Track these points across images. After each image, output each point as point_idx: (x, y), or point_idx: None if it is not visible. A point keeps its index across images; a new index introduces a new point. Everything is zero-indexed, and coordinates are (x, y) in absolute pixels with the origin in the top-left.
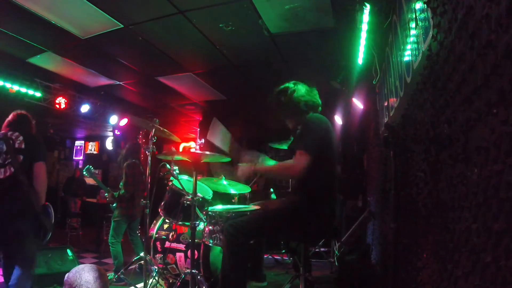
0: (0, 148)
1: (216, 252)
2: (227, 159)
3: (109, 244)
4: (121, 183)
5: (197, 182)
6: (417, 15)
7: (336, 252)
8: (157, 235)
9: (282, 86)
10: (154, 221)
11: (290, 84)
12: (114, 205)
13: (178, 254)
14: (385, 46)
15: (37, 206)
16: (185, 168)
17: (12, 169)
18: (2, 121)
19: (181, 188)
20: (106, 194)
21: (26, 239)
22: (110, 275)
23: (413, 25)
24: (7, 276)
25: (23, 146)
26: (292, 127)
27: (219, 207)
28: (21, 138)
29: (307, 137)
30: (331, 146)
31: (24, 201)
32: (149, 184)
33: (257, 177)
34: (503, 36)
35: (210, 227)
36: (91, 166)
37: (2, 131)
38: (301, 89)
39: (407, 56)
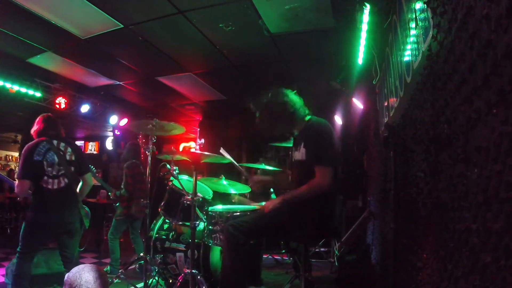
0: (52, 159)
1: (216, 252)
2: (227, 160)
3: (108, 238)
4: (122, 183)
5: (197, 182)
6: (417, 15)
7: (336, 252)
8: (157, 235)
9: (269, 98)
10: (154, 221)
11: (278, 94)
12: (117, 204)
13: (178, 254)
14: (385, 46)
15: (82, 210)
16: (185, 168)
17: (66, 180)
18: (2, 122)
19: (181, 188)
20: (109, 193)
21: (78, 238)
22: (106, 268)
23: (413, 25)
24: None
25: (73, 158)
26: (289, 134)
27: (219, 207)
28: (69, 150)
29: (321, 149)
30: (334, 151)
31: (76, 208)
32: (149, 184)
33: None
34: (503, 36)
35: (210, 227)
36: (92, 166)
37: (41, 139)
38: (289, 94)
39: (407, 56)
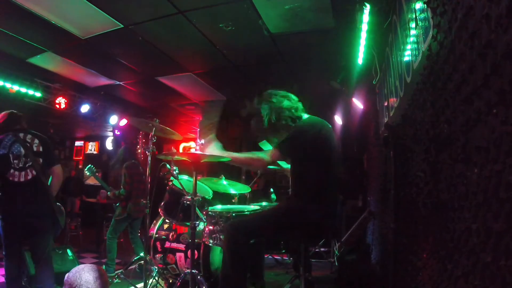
0: (18, 151)
1: (216, 252)
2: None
3: (106, 237)
4: (121, 183)
5: (197, 182)
6: (417, 15)
7: (336, 252)
8: (157, 235)
9: (263, 109)
10: (154, 221)
11: (270, 101)
12: (117, 204)
13: (178, 254)
14: (385, 46)
15: (55, 205)
16: (185, 168)
17: (34, 172)
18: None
19: (181, 188)
20: (108, 192)
21: (48, 236)
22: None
23: (413, 25)
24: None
25: (41, 149)
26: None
27: (219, 207)
28: (37, 141)
29: (287, 140)
30: (324, 147)
31: (47, 202)
32: (149, 184)
33: (257, 177)
34: (503, 36)
35: (210, 227)
36: (92, 166)
37: (7, 133)
38: (282, 100)
39: (407, 56)
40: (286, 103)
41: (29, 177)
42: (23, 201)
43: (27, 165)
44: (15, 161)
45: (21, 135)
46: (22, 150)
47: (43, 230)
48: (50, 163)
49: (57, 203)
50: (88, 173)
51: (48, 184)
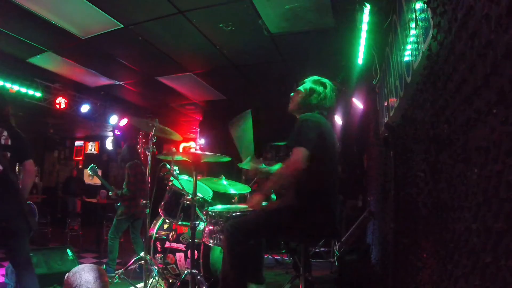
0: None
1: (216, 252)
2: (227, 159)
3: (108, 237)
4: (124, 183)
5: (197, 182)
6: (417, 15)
7: (336, 252)
8: (157, 235)
9: (318, 78)
10: (154, 221)
11: (327, 81)
12: (119, 204)
13: (178, 254)
14: (385, 46)
15: (25, 204)
16: (185, 168)
17: (1, 167)
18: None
19: (181, 188)
20: (110, 192)
21: (24, 238)
22: (102, 267)
23: (413, 25)
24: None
25: (9, 142)
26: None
27: (219, 207)
28: (5, 133)
29: (298, 133)
30: (328, 146)
31: (16, 200)
32: (149, 184)
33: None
34: (503, 36)
35: (210, 227)
36: (94, 165)
37: None
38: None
39: (407, 56)
40: (328, 94)
41: None
42: None
43: None
44: None
45: None
46: None
47: (12, 232)
48: (20, 158)
49: (29, 203)
50: (90, 173)
51: (18, 180)
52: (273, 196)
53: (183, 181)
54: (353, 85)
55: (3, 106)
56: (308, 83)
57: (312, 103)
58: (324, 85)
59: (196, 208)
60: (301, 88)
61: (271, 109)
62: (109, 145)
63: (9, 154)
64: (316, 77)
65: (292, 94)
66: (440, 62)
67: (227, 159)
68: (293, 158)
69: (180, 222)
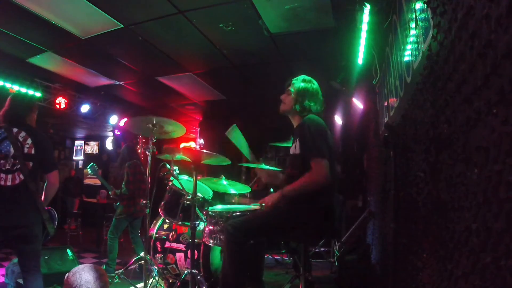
0: (6, 150)
1: (216, 252)
2: (227, 162)
3: (107, 237)
4: (123, 182)
5: (197, 182)
6: (417, 15)
7: (336, 252)
8: (157, 235)
9: (307, 77)
10: (154, 221)
11: (312, 80)
12: (118, 203)
13: (178, 254)
14: (385, 46)
15: (44, 212)
16: (185, 168)
17: (22, 177)
18: None
19: (181, 188)
20: (109, 192)
21: (38, 246)
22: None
23: (413, 25)
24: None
25: (32, 151)
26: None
27: (219, 207)
28: (29, 141)
29: (315, 141)
30: (330, 147)
31: (34, 209)
32: (149, 184)
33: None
34: (503, 36)
35: (210, 227)
36: (95, 164)
37: (2, 125)
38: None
39: (407, 56)
40: (320, 97)
41: (17, 181)
42: (5, 207)
43: (15, 168)
44: (2, 162)
45: (15, 130)
46: (12, 150)
47: (27, 239)
48: (43, 170)
49: (49, 208)
50: (90, 172)
51: (38, 190)
52: (272, 190)
53: (183, 181)
54: (353, 85)
55: (27, 111)
56: (298, 83)
57: (307, 103)
58: (314, 83)
59: (196, 208)
60: (292, 88)
61: (271, 109)
62: (109, 145)
63: (31, 164)
64: (305, 76)
65: (281, 96)
66: (440, 62)
67: (227, 162)
68: (318, 172)
69: (180, 222)
